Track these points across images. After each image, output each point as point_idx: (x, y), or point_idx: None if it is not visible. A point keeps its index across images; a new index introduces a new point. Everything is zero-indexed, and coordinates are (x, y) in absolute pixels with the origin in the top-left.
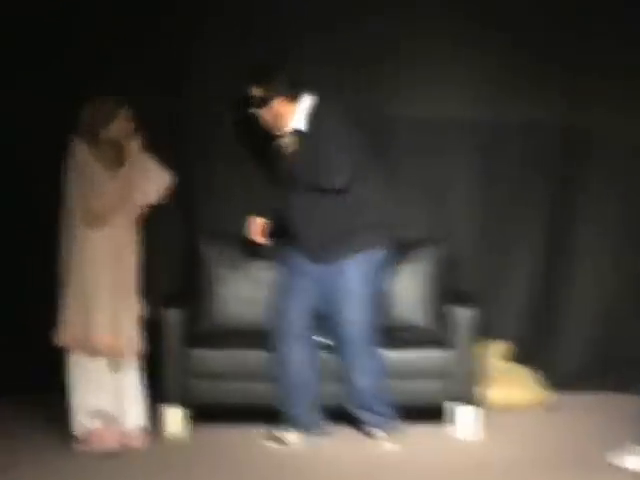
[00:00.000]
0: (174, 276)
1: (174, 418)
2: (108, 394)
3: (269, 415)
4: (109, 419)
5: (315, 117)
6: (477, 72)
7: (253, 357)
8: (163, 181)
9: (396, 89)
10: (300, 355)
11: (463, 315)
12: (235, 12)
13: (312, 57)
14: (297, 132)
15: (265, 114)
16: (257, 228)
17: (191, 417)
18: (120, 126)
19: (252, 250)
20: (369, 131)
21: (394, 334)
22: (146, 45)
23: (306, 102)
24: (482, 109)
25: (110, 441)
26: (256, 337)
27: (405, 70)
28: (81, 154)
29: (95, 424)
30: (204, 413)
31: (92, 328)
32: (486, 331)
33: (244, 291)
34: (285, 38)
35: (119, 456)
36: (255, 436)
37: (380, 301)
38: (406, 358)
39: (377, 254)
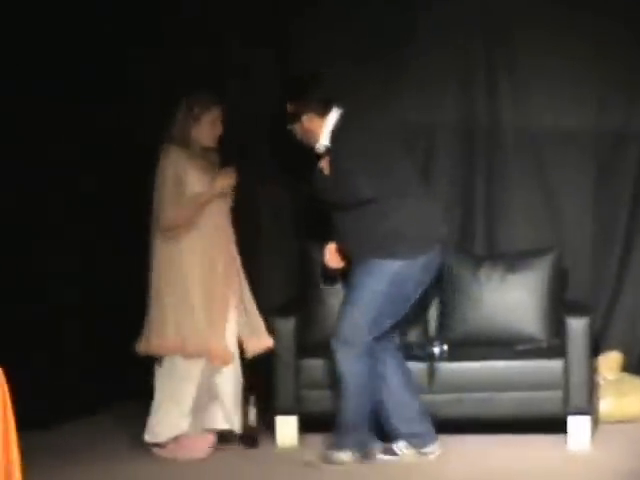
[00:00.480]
0: (286, 287)
1: (286, 427)
2: (201, 400)
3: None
4: (200, 425)
5: (334, 134)
6: (593, 84)
7: None
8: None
9: (512, 99)
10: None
11: (579, 325)
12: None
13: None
14: (327, 149)
15: (298, 130)
16: (331, 254)
17: (302, 426)
18: (209, 126)
19: (331, 278)
20: (477, 142)
21: (510, 346)
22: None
23: (332, 118)
24: (597, 118)
25: (200, 448)
26: None
27: (519, 80)
28: (172, 160)
29: (186, 430)
30: (315, 422)
31: (188, 335)
32: (598, 341)
33: None
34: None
35: (209, 461)
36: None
37: (395, 311)
38: (522, 369)
39: (390, 265)
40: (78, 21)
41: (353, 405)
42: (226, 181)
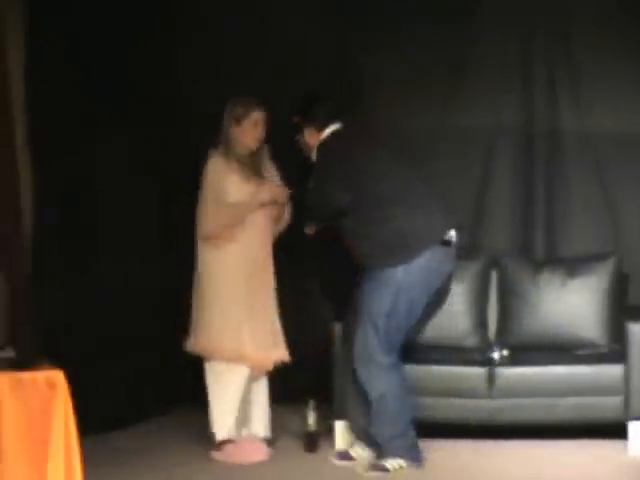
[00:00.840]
0: (347, 289)
1: (345, 432)
2: (243, 404)
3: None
4: (248, 430)
5: (319, 147)
6: None
7: (425, 372)
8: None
9: (573, 102)
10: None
11: (639, 331)
12: None
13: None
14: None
15: (301, 142)
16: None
17: None
18: (250, 128)
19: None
20: (537, 146)
21: (570, 351)
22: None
23: (327, 132)
24: None
25: (256, 452)
26: (429, 352)
27: (579, 84)
28: (214, 167)
29: (235, 434)
30: None
31: (227, 340)
32: None
33: None
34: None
35: (268, 465)
36: (428, 449)
37: (406, 323)
38: (582, 374)
39: (387, 272)
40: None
41: (388, 419)
42: (267, 193)
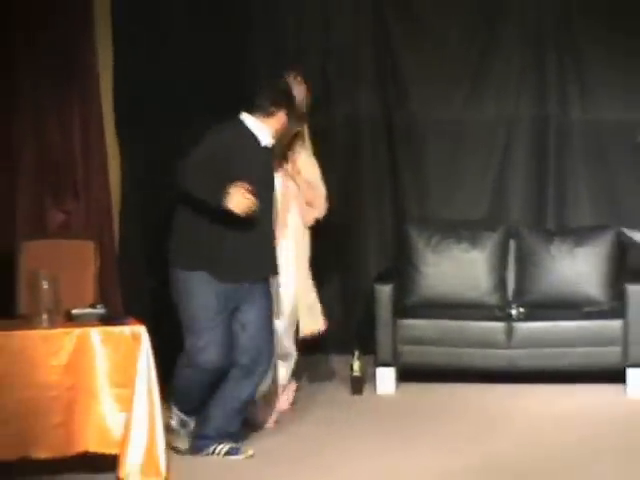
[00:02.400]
0: (385, 256)
1: (385, 377)
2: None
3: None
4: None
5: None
6: None
7: (454, 326)
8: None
9: (581, 94)
10: None
11: (636, 290)
12: None
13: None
14: None
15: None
16: None
17: (399, 377)
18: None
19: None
20: (549, 134)
21: (577, 308)
22: None
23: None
24: None
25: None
26: (456, 309)
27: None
28: None
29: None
30: (410, 373)
31: None
32: None
33: (445, 269)
34: None
35: (316, 404)
36: (456, 392)
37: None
38: (588, 328)
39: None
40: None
41: None
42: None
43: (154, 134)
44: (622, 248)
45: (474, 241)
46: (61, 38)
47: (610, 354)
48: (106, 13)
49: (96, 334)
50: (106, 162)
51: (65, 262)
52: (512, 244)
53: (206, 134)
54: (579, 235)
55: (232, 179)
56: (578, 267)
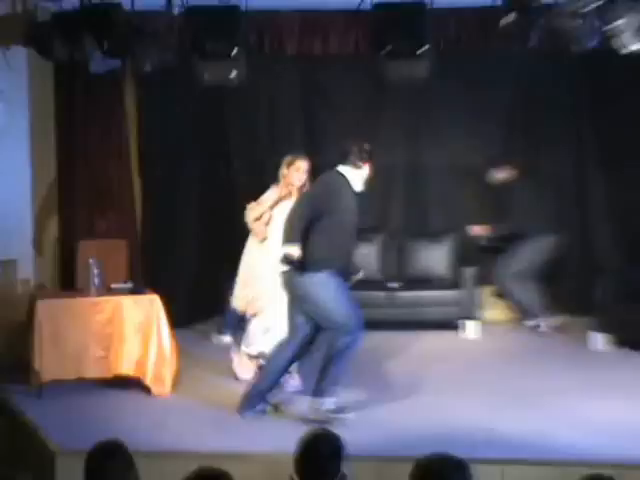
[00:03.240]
0: None
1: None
2: None
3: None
4: None
5: None
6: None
7: (358, 293)
8: None
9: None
10: None
11: (469, 271)
12: None
13: None
14: None
15: None
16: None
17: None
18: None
19: None
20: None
21: (430, 282)
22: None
23: None
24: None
25: None
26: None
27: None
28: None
29: None
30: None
31: None
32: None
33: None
34: None
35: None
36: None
37: None
38: (436, 295)
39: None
40: None
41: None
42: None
43: (163, 173)
44: (461, 244)
45: (369, 239)
46: (106, 115)
47: (451, 311)
48: (132, 107)
49: (126, 300)
50: (132, 189)
51: (106, 254)
52: (394, 242)
53: (321, 181)
54: (432, 236)
55: (340, 212)
56: (433, 256)
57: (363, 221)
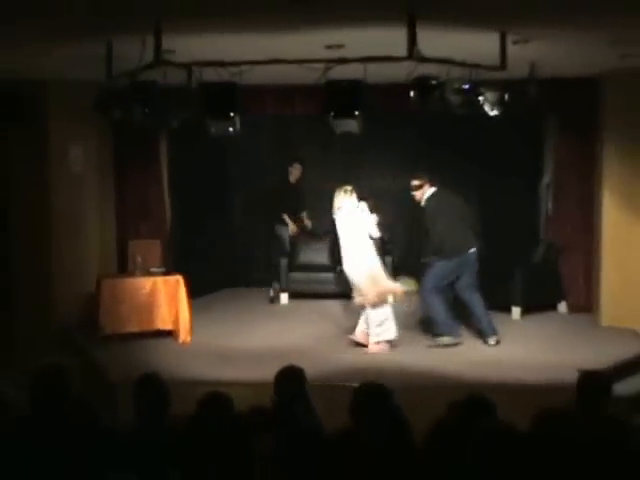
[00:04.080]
0: None
1: (283, 296)
2: None
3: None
4: None
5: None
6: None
7: (312, 275)
8: None
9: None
10: None
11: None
12: None
13: None
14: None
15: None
16: None
17: (290, 296)
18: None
19: None
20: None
21: (334, 268)
22: None
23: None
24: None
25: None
26: (313, 267)
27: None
28: None
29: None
30: (301, 295)
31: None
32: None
33: (308, 253)
34: None
35: None
36: (315, 304)
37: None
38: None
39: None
40: None
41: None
42: None
43: (185, 195)
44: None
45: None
46: (147, 156)
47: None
48: (164, 151)
49: (160, 279)
50: (164, 205)
51: (146, 250)
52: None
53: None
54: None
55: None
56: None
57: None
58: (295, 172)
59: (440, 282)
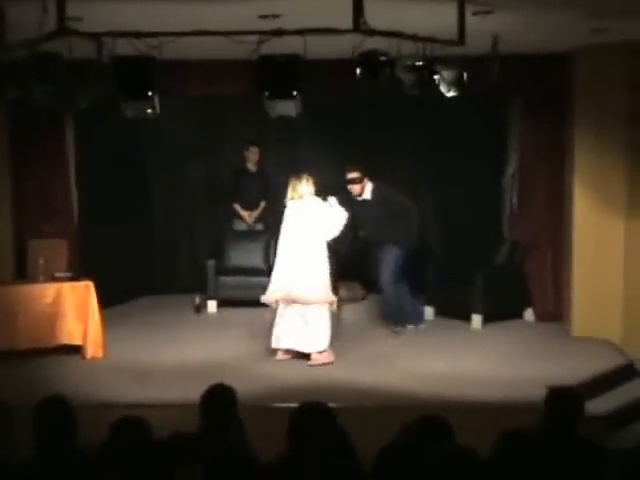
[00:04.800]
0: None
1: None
2: None
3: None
4: None
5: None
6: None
7: (249, 279)
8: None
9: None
10: None
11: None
12: None
13: None
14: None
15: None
16: None
17: (220, 304)
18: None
19: None
20: None
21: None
22: None
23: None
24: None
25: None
26: (249, 271)
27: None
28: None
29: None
30: (231, 303)
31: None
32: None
33: (248, 255)
34: None
35: None
36: (254, 312)
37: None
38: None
39: None
40: None
41: None
42: None
43: (94, 188)
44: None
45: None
46: (50, 142)
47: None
48: (71, 136)
49: (66, 286)
50: (71, 199)
51: (50, 251)
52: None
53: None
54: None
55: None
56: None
57: None
58: (252, 156)
59: (397, 272)
